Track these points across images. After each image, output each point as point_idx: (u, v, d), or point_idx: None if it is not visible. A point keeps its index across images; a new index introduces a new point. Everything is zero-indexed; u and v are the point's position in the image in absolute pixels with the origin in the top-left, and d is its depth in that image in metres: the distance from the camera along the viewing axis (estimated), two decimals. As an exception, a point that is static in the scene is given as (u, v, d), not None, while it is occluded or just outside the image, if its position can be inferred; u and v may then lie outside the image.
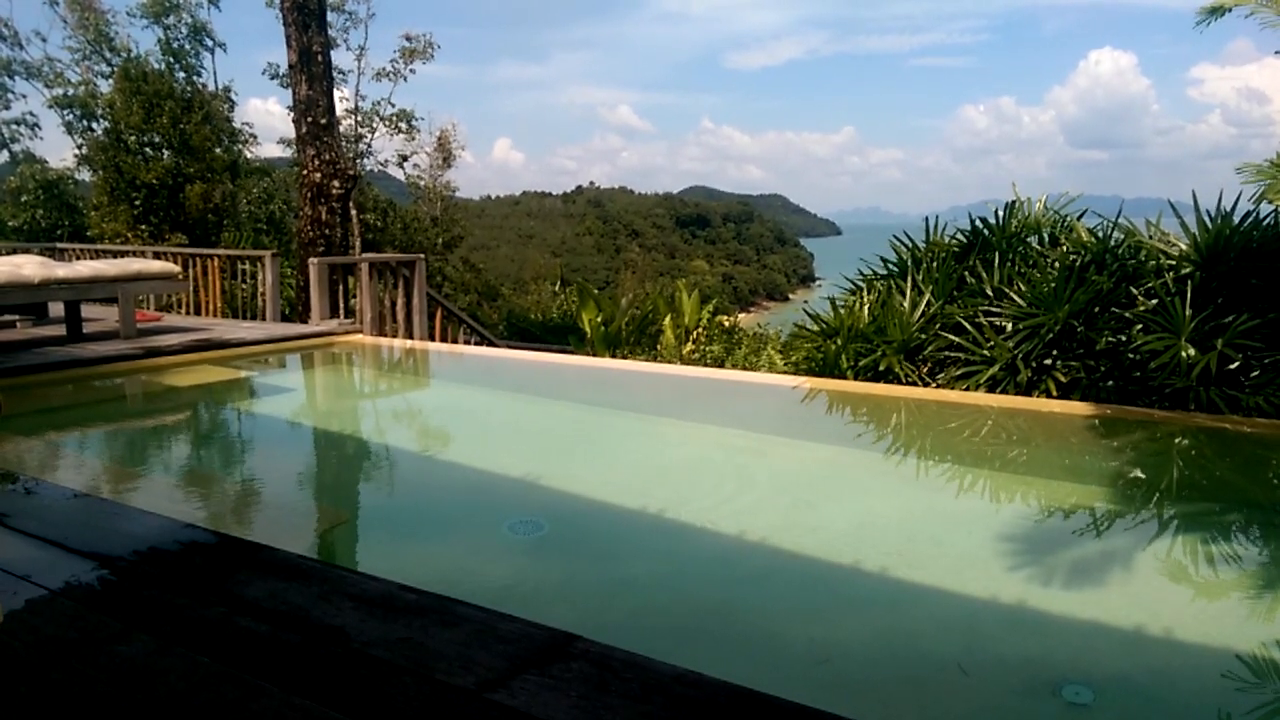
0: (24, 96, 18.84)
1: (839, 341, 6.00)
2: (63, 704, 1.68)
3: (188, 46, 17.21)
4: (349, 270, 8.94)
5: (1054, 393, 5.18)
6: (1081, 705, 2.20)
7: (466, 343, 10.58)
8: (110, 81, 16.59)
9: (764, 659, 2.43)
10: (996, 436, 5.01)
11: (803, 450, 4.87)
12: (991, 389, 5.35)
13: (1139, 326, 5.11)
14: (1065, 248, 5.91)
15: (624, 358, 10.36)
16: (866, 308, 6.16)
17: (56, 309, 7.33)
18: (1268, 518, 3.77)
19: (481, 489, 4.07)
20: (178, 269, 7.46)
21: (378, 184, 24.64)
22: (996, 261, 5.92)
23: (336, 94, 12.16)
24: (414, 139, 22.44)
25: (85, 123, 16.95)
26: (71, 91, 17.07)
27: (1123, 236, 5.77)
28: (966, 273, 6.04)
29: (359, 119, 20.92)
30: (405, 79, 20.88)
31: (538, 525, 3.47)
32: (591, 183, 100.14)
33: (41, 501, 3.07)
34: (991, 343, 5.46)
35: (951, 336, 5.67)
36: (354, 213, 18.02)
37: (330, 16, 14.85)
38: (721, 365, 10.09)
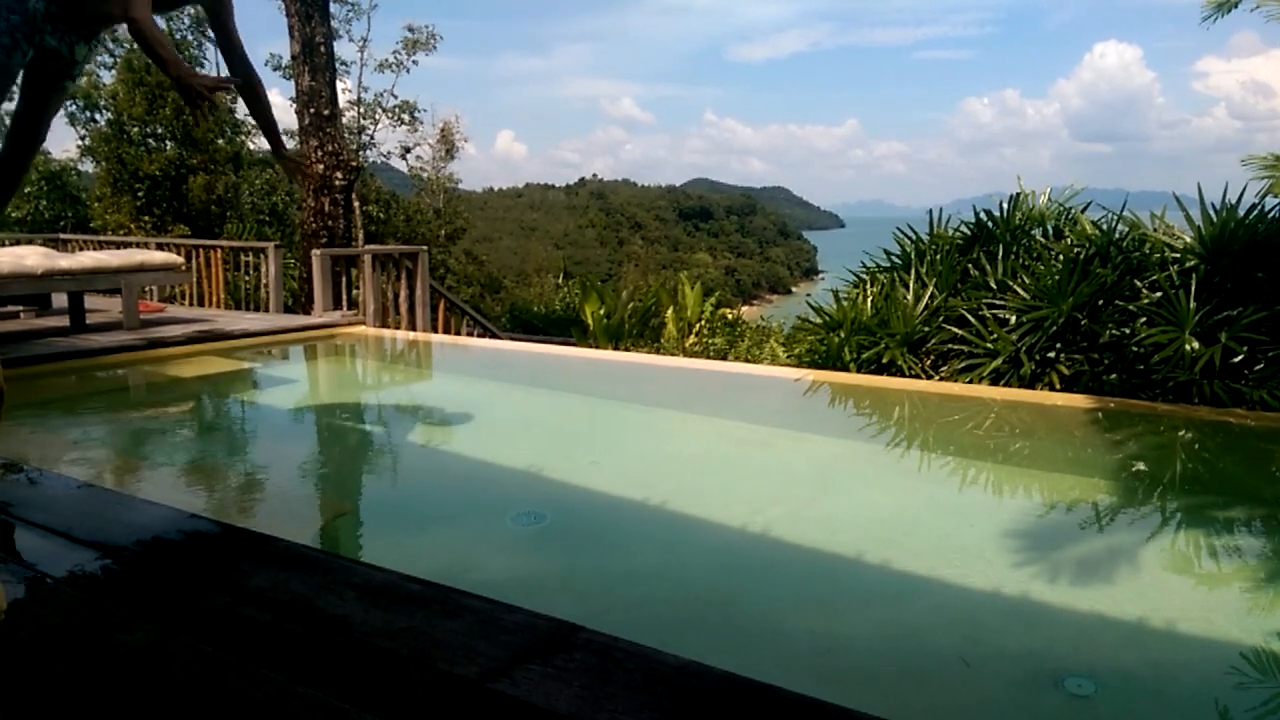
0: (26, 88, 18.74)
1: (842, 334, 6.00)
2: (66, 692, 1.69)
3: (190, 38, 17.19)
4: (352, 262, 8.94)
5: (1057, 385, 5.18)
6: (1084, 697, 2.20)
7: (469, 335, 10.58)
8: (113, 73, 16.58)
9: (766, 650, 2.43)
10: (999, 429, 5.01)
11: (806, 442, 4.87)
12: (994, 382, 5.34)
13: (1143, 319, 5.10)
14: (1069, 241, 5.89)
15: (626, 350, 10.36)
16: (869, 300, 6.15)
17: (60, 300, 7.34)
18: (1271, 512, 3.76)
19: (484, 480, 4.08)
20: (181, 260, 7.45)
21: (380, 176, 24.64)
22: (1000, 254, 5.91)
23: (339, 85, 12.15)
24: (417, 131, 22.44)
25: (88, 114, 16.94)
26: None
27: (1127, 229, 5.76)
28: (970, 265, 6.03)
29: (361, 110, 20.89)
30: (408, 70, 20.87)
31: (540, 516, 3.47)
32: (594, 175, 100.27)
33: (46, 491, 3.08)
34: (995, 335, 5.45)
35: (955, 329, 5.66)
36: (357, 204, 18.02)
37: (333, 8, 14.82)
38: (724, 358, 10.08)
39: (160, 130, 15.74)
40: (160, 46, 3.44)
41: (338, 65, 12.06)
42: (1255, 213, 5.28)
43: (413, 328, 8.79)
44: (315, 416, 5.61)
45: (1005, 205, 6.32)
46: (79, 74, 3.75)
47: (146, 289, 9.26)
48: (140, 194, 15.40)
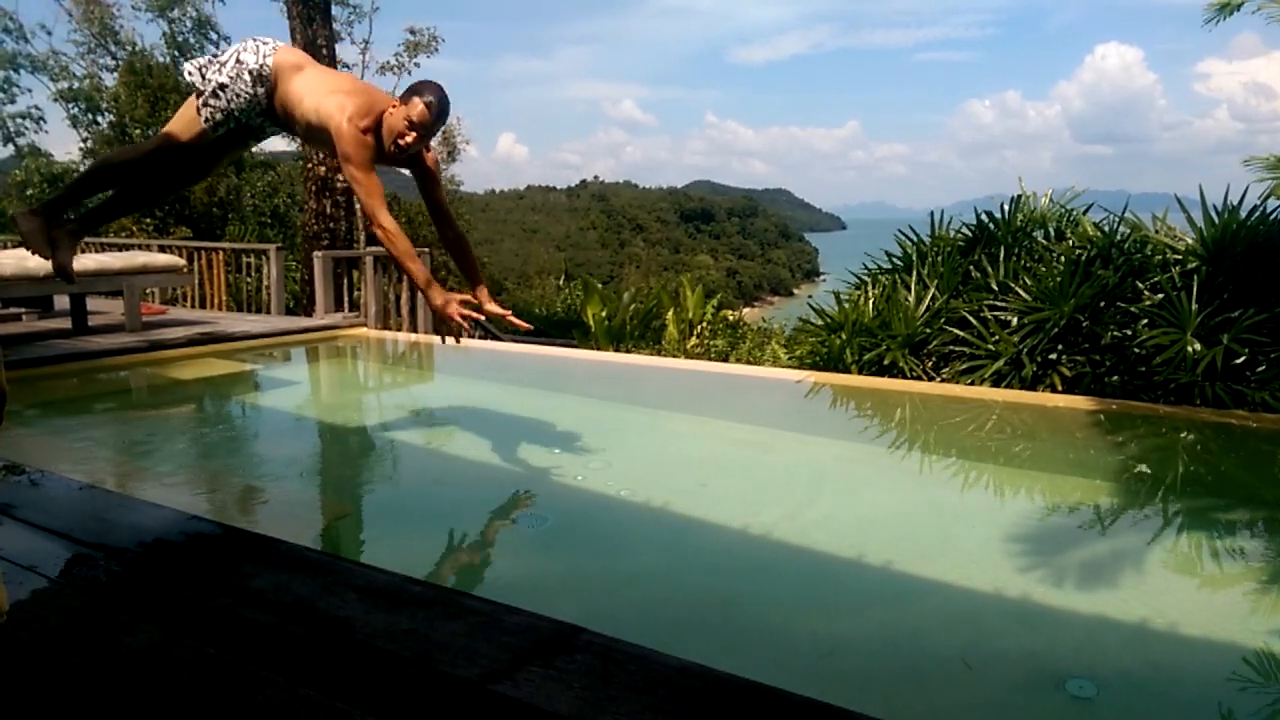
0: (29, 90, 18.86)
1: (843, 336, 6.00)
2: (68, 695, 1.69)
3: (192, 40, 17.23)
4: (353, 264, 8.95)
5: (1059, 387, 5.18)
6: (1085, 699, 2.19)
7: (470, 336, 10.58)
8: (115, 75, 16.60)
9: (767, 652, 2.43)
10: (1001, 431, 5.00)
11: (807, 444, 4.86)
12: (996, 383, 5.34)
13: (1144, 321, 5.10)
14: (1071, 242, 5.90)
15: (628, 352, 10.36)
16: (871, 302, 6.15)
17: (62, 302, 7.35)
18: (1273, 514, 3.76)
19: (486, 481, 4.07)
20: (183, 262, 7.46)
21: (382, 178, 24.57)
22: (1002, 256, 5.91)
23: (341, 87, 12.11)
24: (418, 133, 22.35)
25: (90, 116, 16.97)
26: (76, 85, 17.08)
27: (1128, 231, 5.76)
28: (971, 267, 6.03)
29: (363, 113, 20.83)
30: (409, 73, 20.79)
31: (542, 518, 3.47)
32: (595, 177, 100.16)
33: (47, 493, 3.08)
34: (996, 337, 5.45)
35: (956, 331, 5.66)
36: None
37: (334, 10, 14.84)
38: (726, 359, 10.09)
39: (162, 132, 15.74)
40: (411, 259, 3.45)
41: (339, 68, 12.07)
42: (1257, 214, 5.28)
43: (414, 329, 8.80)
44: (317, 418, 5.61)
45: (1006, 207, 6.33)
46: (264, 139, 3.85)
47: (148, 291, 9.26)
48: (142, 196, 15.40)
